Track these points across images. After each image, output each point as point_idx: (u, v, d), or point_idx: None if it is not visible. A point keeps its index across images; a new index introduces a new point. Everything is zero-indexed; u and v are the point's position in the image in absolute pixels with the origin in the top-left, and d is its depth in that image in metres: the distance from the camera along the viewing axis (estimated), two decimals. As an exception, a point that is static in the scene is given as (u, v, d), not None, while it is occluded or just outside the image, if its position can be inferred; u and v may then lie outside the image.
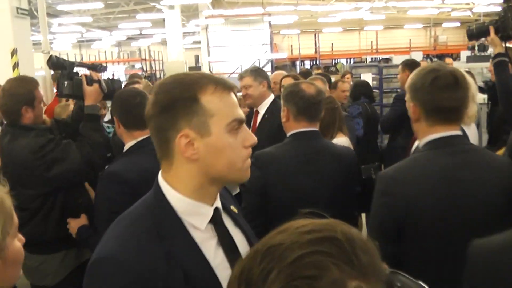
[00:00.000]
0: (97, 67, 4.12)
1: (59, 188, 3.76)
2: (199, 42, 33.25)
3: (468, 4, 32.72)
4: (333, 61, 41.75)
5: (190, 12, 29.35)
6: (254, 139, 1.73)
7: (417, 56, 25.41)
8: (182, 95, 1.63)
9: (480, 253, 1.79)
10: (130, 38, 41.20)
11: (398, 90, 10.96)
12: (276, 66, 33.69)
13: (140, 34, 37.62)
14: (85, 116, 3.83)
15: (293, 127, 3.34)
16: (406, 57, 26.40)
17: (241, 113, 1.72)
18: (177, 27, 21.49)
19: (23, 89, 3.77)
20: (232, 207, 1.90)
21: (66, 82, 3.79)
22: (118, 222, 1.72)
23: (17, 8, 7.59)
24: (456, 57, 33.08)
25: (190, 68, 23.14)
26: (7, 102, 3.77)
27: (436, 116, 2.55)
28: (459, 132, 2.60)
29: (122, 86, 4.85)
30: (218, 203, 1.76)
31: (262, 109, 5.10)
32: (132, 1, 28.40)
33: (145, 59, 35.53)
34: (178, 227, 1.64)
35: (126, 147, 3.38)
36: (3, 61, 7.68)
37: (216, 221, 1.72)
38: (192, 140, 1.63)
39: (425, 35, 44.69)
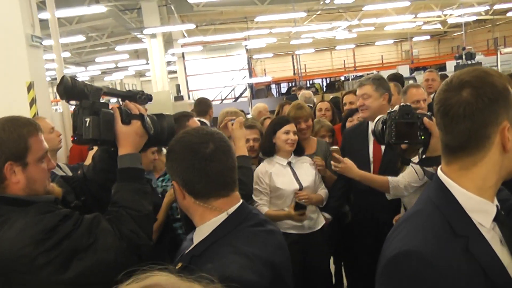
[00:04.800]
0: (136, 96, 2.68)
1: None
2: (174, 72, 32.85)
3: (440, 16, 32.95)
4: (307, 82, 41.57)
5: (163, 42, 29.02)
6: None
7: (404, 70, 25.62)
8: (504, 86, 1.61)
9: None
10: (104, 73, 40.49)
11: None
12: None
13: (116, 67, 36.99)
14: (120, 172, 2.47)
15: None
16: (389, 72, 26.58)
17: None
18: (161, 56, 20.99)
19: (8, 134, 2.28)
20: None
21: (88, 119, 2.42)
22: (407, 221, 1.71)
23: (32, 36, 6.79)
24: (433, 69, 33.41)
25: (175, 98, 22.59)
26: None
27: None
28: None
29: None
30: (495, 201, 1.70)
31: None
32: (106, 33, 27.89)
33: (120, 92, 34.96)
34: (469, 225, 1.61)
35: (207, 229, 2.04)
36: (19, 97, 6.56)
37: (499, 219, 1.66)
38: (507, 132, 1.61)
39: (396, 50, 45.00)
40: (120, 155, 2.49)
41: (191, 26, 23.36)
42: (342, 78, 38.12)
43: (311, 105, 9.77)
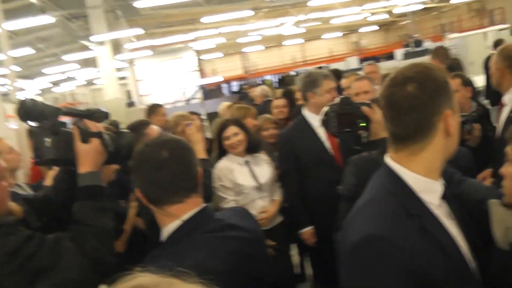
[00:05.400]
0: (94, 114, 2.65)
1: None
2: (124, 78, 32.49)
3: (386, 7, 33.31)
4: (257, 79, 41.66)
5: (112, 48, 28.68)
6: None
7: (353, 61, 25.91)
8: (444, 79, 1.83)
9: None
10: (55, 84, 39.69)
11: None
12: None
13: (67, 78, 36.31)
14: (81, 191, 2.45)
15: None
16: (339, 64, 26.95)
17: None
18: (110, 63, 20.74)
19: None
20: None
21: (48, 140, 2.41)
22: (364, 208, 1.84)
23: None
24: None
25: (127, 104, 22.30)
26: None
27: None
28: None
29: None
30: (441, 180, 1.90)
31: None
32: (53, 43, 27.45)
33: (72, 104, 34.50)
34: (420, 205, 1.79)
35: (165, 234, 2.13)
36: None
37: (446, 196, 1.89)
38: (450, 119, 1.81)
39: (345, 42, 45.41)
40: (80, 173, 2.48)
41: (139, 31, 23.09)
42: (293, 73, 38.40)
43: (271, 99, 9.87)
